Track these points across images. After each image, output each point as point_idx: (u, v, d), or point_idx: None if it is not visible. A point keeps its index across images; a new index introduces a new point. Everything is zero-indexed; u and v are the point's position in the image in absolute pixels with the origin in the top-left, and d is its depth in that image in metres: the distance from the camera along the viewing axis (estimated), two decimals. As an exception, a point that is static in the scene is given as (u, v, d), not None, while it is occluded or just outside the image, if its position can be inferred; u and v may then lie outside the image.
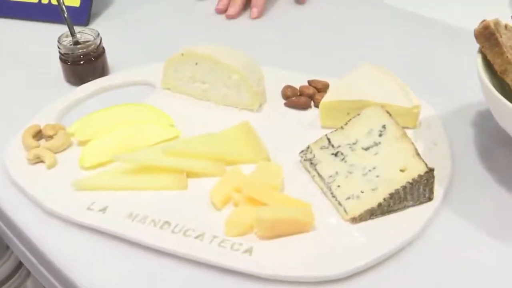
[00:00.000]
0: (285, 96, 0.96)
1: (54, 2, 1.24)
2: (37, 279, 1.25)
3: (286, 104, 0.95)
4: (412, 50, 1.12)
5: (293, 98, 0.94)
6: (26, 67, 1.12)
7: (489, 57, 0.79)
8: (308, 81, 0.98)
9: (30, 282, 1.47)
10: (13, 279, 1.41)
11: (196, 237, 0.73)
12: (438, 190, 0.77)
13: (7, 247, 1.42)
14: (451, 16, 1.18)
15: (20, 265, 1.44)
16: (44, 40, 1.17)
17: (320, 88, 0.96)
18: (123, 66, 1.09)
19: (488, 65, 0.80)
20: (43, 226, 0.78)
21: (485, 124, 0.90)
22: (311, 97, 0.95)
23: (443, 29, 1.17)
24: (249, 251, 0.71)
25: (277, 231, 0.72)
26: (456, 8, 1.22)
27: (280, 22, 1.26)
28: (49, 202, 0.79)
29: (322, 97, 0.90)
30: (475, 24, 0.80)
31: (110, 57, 1.07)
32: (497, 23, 0.79)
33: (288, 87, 0.96)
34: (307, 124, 0.91)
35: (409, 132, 0.84)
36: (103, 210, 0.77)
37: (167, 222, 0.75)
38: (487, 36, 0.78)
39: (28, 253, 0.81)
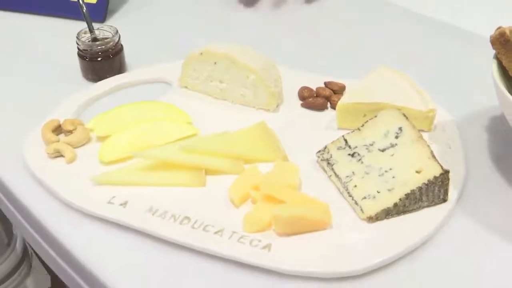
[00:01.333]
0: (302, 97, 0.97)
1: (71, -2, 1.26)
2: (37, 278, 1.25)
3: (302, 105, 0.96)
4: (429, 54, 1.13)
5: (310, 99, 0.96)
6: (43, 62, 1.13)
7: (504, 63, 0.80)
8: (325, 83, 0.99)
9: (30, 281, 1.47)
10: (13, 277, 1.42)
11: (216, 233, 0.74)
12: (452, 192, 0.78)
13: (8, 245, 1.42)
14: (467, 22, 1.19)
15: (20, 263, 1.44)
16: (61, 36, 1.19)
17: (336, 90, 0.97)
18: (140, 64, 1.10)
19: (503, 71, 0.81)
20: (63, 219, 0.79)
21: (499, 129, 0.91)
22: (327, 98, 0.96)
23: (460, 35, 1.18)
24: (267, 247, 0.72)
25: (295, 228, 0.74)
26: (472, 14, 1.23)
27: (297, 23, 1.27)
28: (70, 196, 0.80)
29: (339, 98, 0.92)
30: (490, 30, 0.82)
31: (127, 54, 1.08)
32: (512, 30, 0.81)
33: (304, 88, 0.98)
34: (324, 125, 0.93)
35: (424, 135, 0.85)
36: (124, 204, 0.79)
37: (187, 217, 0.76)
38: (503, 42, 0.80)
39: (46, 245, 0.82)
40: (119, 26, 1.08)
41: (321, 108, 0.95)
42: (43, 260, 0.86)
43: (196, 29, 1.24)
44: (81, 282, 0.77)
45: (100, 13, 1.25)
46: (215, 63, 0.96)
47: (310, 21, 1.27)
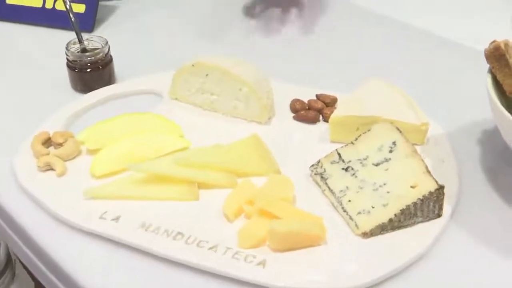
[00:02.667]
0: (294, 109, 0.97)
1: (58, 8, 1.25)
2: (21, 285, 1.24)
3: (294, 118, 0.96)
4: (420, 67, 1.13)
5: (302, 112, 0.95)
6: (31, 73, 1.12)
7: (498, 77, 0.80)
8: (317, 95, 0.99)
9: (13, 288, 1.46)
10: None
11: (210, 248, 0.74)
12: (446, 207, 0.78)
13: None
14: (459, 35, 1.19)
15: (3, 271, 1.43)
16: (49, 46, 1.18)
17: (328, 102, 0.97)
18: (128, 75, 1.09)
19: (497, 85, 0.81)
20: (53, 233, 0.79)
21: (491, 142, 0.92)
22: (319, 111, 0.96)
23: (452, 48, 1.18)
24: (262, 263, 0.72)
25: (290, 244, 0.73)
26: (464, 27, 1.23)
27: (288, 36, 1.26)
28: (61, 210, 0.79)
29: (331, 111, 0.92)
30: (482, 43, 0.82)
31: (115, 64, 1.07)
32: (506, 44, 0.81)
33: (296, 100, 0.97)
34: (316, 138, 0.92)
35: (416, 148, 0.85)
36: (116, 219, 0.78)
37: (180, 233, 0.76)
38: (498, 57, 0.80)
39: (35, 259, 0.81)
40: (107, 36, 1.07)
41: (313, 121, 0.95)
42: (34, 274, 0.85)
43: (185, 41, 1.23)
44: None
45: (88, 23, 1.24)
46: (207, 75, 0.96)
47: (301, 36, 1.26)
